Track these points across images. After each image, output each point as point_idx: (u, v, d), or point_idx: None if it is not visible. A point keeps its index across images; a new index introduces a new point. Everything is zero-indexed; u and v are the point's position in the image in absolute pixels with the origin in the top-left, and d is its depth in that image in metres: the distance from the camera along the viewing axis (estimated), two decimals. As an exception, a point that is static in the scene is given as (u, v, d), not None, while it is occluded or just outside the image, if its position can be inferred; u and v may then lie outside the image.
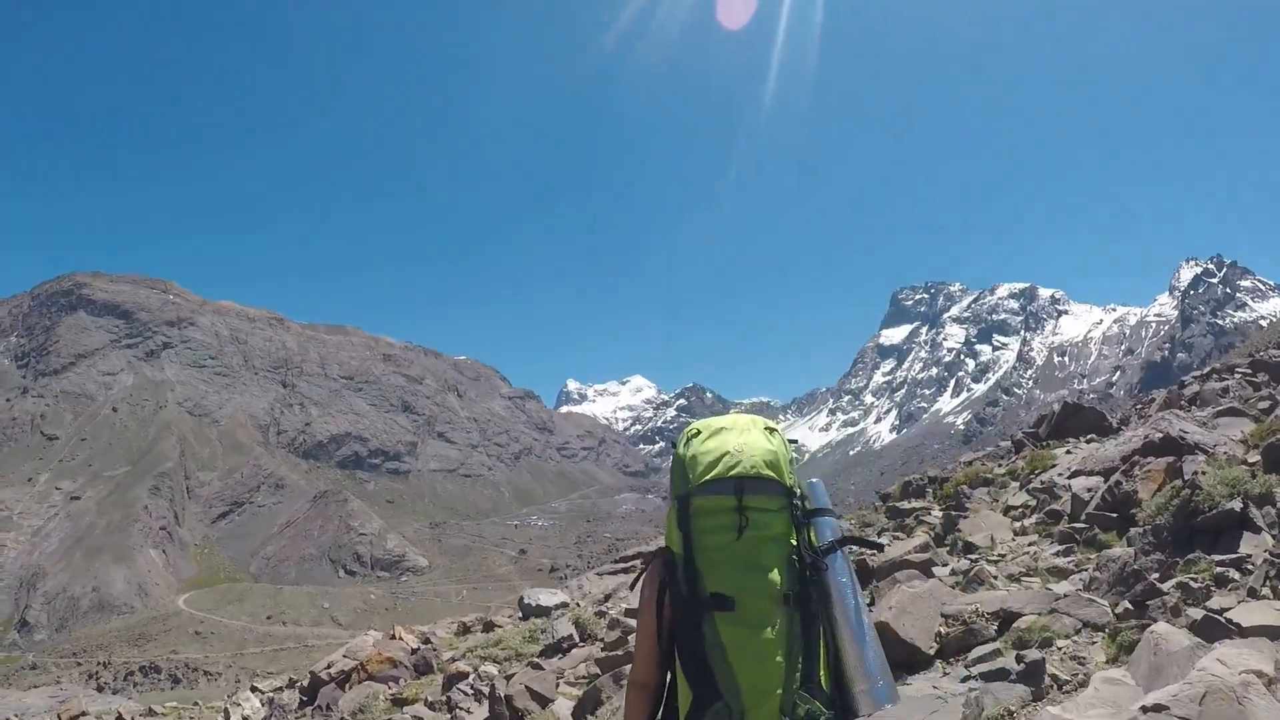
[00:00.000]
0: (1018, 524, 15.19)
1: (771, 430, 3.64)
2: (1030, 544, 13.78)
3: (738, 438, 3.53)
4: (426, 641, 16.37)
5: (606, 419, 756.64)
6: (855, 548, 3.74)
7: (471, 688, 11.94)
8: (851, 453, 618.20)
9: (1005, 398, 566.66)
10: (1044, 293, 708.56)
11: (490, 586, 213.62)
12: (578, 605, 16.52)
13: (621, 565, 20.86)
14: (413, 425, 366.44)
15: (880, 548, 3.81)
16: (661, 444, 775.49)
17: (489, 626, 16.80)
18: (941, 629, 10.15)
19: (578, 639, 12.82)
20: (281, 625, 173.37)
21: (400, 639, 16.49)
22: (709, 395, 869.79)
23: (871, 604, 10.90)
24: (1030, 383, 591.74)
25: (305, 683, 16.77)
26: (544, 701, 10.57)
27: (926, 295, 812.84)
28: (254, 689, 21.32)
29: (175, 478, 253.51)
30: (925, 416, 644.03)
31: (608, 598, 16.82)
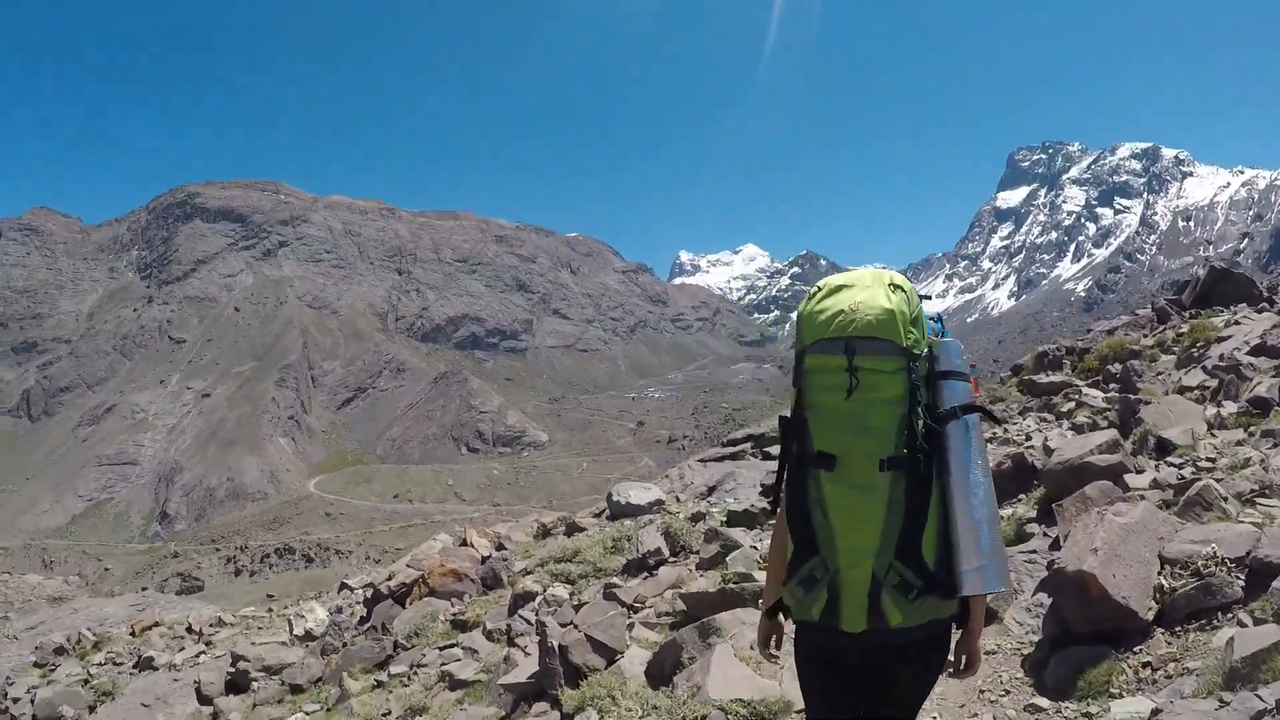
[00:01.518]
0: (1210, 413, 11.73)
1: (896, 286, 3.41)
2: (1238, 443, 10.37)
3: (855, 295, 3.38)
4: (500, 548, 15.01)
5: (720, 289, 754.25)
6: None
7: (535, 615, 10.49)
8: (969, 320, 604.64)
9: (1127, 264, 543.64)
10: (1168, 153, 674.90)
11: (609, 459, 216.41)
12: (676, 501, 14.87)
13: (729, 450, 18.94)
14: (528, 303, 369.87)
15: (997, 420, 3.64)
16: (776, 313, 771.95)
17: (571, 529, 14.89)
18: (1163, 581, 7.05)
19: (667, 553, 11.32)
20: (408, 503, 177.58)
21: (470, 545, 15.16)
22: (823, 262, 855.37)
23: (1055, 536, 8.74)
24: (1154, 248, 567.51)
25: (369, 594, 15.21)
26: (610, 655, 8.63)
27: (1044, 156, 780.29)
28: (344, 586, 20.80)
29: (300, 369, 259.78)
30: (1044, 283, 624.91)
31: (711, 491, 15.08)
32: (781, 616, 3.74)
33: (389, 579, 14.74)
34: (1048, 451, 10.78)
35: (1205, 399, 12.76)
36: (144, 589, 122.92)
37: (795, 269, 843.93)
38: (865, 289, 3.39)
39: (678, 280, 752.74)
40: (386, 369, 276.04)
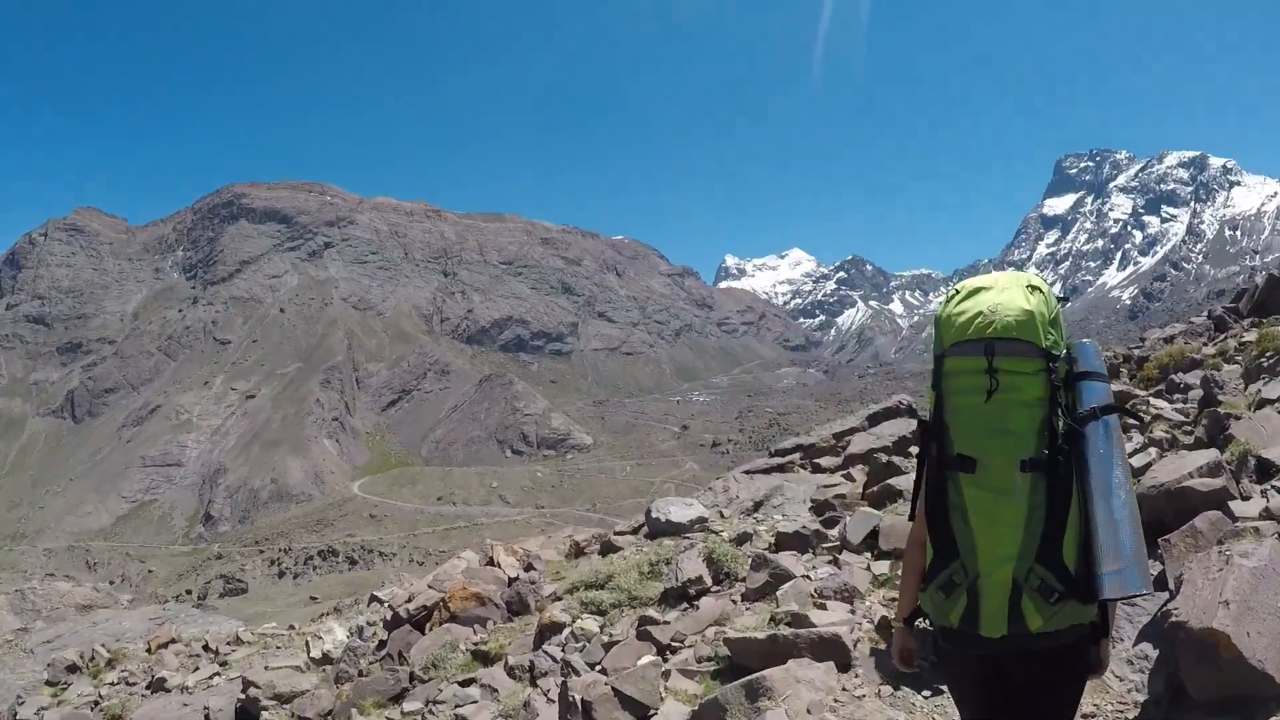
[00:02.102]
0: None
1: (1034, 288, 3.44)
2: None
3: (994, 297, 3.40)
4: (529, 568, 13.79)
5: (766, 293, 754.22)
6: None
7: (561, 652, 9.62)
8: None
9: (1174, 272, 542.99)
10: (1215, 162, 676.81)
11: (654, 462, 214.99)
12: (720, 517, 13.94)
13: (776, 461, 18.04)
14: (573, 306, 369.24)
15: (1140, 419, 3.83)
16: (822, 317, 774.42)
17: (606, 548, 13.73)
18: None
19: (709, 582, 10.13)
20: (452, 505, 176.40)
21: (497, 565, 14.03)
22: (869, 267, 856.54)
23: (1156, 574, 7.37)
24: (1200, 257, 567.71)
25: (389, 617, 13.88)
26: (642, 713, 7.47)
27: (1091, 163, 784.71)
28: (374, 599, 18.79)
29: (344, 370, 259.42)
30: (1090, 290, 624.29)
31: (757, 506, 14.20)
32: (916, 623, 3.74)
33: (409, 600, 13.58)
34: (1132, 472, 8.36)
35: None
36: (174, 598, 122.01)
37: (841, 274, 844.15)
38: (1003, 290, 3.41)
39: (723, 284, 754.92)
40: (431, 371, 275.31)
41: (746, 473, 17.38)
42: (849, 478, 14.39)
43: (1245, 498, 7.98)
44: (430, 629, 12.31)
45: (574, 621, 10.13)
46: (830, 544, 10.31)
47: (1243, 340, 17.20)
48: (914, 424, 16.12)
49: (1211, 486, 7.86)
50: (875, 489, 12.26)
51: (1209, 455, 8.48)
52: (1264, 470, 8.86)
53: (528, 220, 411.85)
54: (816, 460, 17.39)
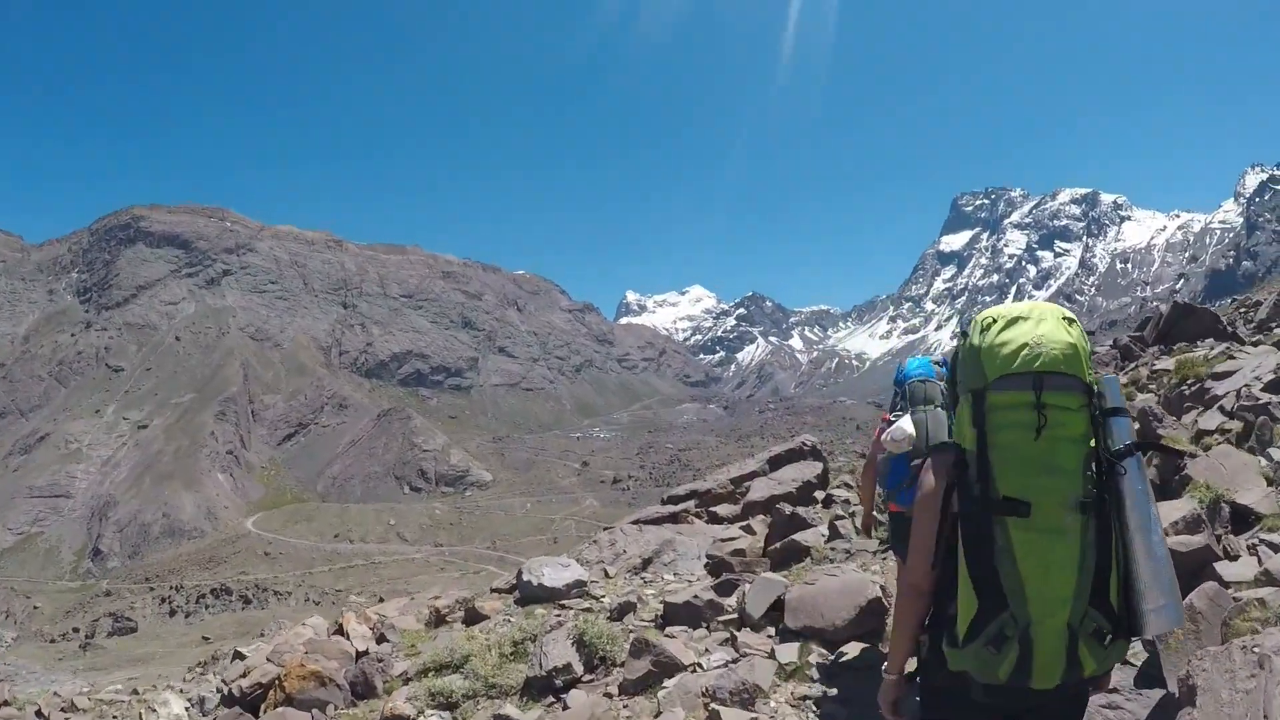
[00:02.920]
0: (1264, 465, 9.23)
1: (1070, 321, 3.33)
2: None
3: (1035, 328, 3.26)
4: (381, 639, 12.14)
5: (666, 329, 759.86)
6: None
7: None
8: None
9: (1067, 304, 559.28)
10: (1106, 198, 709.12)
11: (554, 499, 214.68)
12: (605, 576, 12.74)
13: (669, 510, 17.02)
14: (473, 341, 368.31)
15: (1180, 455, 3.71)
16: (722, 353, 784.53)
17: (471, 616, 11.96)
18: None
19: (581, 670, 9.00)
20: (349, 543, 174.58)
21: (346, 634, 12.33)
22: (769, 304, 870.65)
23: (1138, 667, 6.91)
24: (1093, 289, 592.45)
25: (224, 693, 11.98)
26: None
27: (987, 201, 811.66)
28: (238, 655, 17.11)
29: (240, 402, 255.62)
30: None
31: (647, 564, 13.27)
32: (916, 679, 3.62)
33: (243, 675, 11.93)
34: None
35: (1236, 442, 10.71)
36: (61, 636, 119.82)
37: (741, 310, 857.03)
38: (1041, 321, 3.29)
39: (624, 320, 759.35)
40: (328, 405, 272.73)
41: (636, 523, 16.49)
42: (748, 530, 13.76)
43: (1232, 556, 7.35)
44: (265, 710, 10.87)
45: (419, 717, 9.00)
46: (727, 616, 9.39)
47: (1155, 368, 17.72)
48: (818, 467, 16.63)
49: (1193, 545, 7.20)
50: (778, 545, 11.70)
51: (1184, 506, 7.69)
52: (1240, 519, 8.18)
53: (429, 253, 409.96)
54: (713, 509, 16.76)
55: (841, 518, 12.85)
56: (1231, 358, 15.34)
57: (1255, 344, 17.63)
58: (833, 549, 11.49)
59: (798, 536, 11.66)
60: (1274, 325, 21.18)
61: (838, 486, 17.08)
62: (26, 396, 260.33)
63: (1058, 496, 3.10)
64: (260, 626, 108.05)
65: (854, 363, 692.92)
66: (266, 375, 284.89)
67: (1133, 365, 20.32)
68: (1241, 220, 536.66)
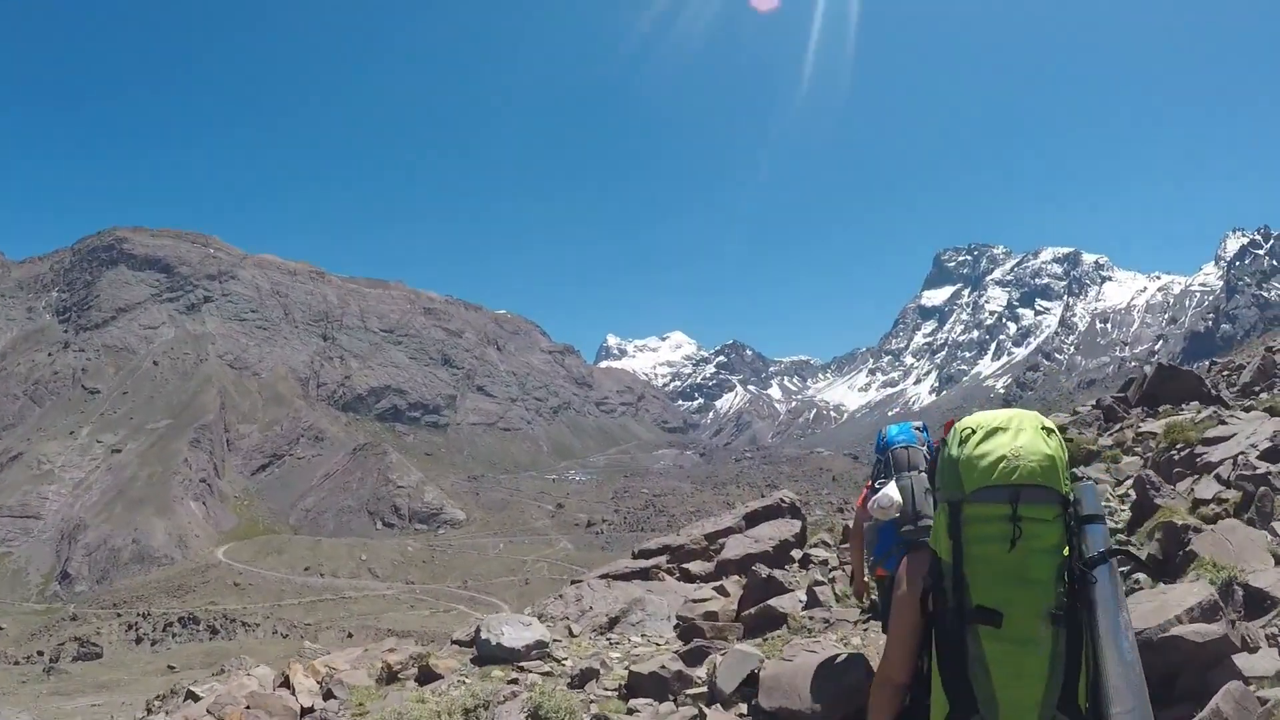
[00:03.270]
0: (1271, 542, 9.01)
1: (1050, 431, 3.37)
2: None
3: (1014, 439, 3.31)
4: (329, 695, 11.06)
5: (646, 375, 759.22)
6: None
7: None
8: (890, 414, 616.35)
9: (1046, 363, 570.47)
10: (1088, 258, 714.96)
11: (528, 540, 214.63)
12: (568, 635, 11.97)
13: (640, 565, 16.45)
14: (452, 379, 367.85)
15: (1145, 563, 3.68)
16: (700, 400, 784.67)
17: (425, 675, 10.81)
18: None
19: None
20: (319, 577, 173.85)
21: (291, 687, 11.37)
22: (749, 352, 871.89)
23: None
24: (1072, 348, 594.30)
25: None
26: None
27: (969, 257, 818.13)
28: (190, 695, 15.55)
29: (215, 430, 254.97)
30: (965, 379, 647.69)
31: (614, 623, 12.60)
32: None
33: None
34: None
35: (1227, 516, 10.31)
36: (25, 659, 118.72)
37: (721, 358, 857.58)
38: (1020, 432, 3.33)
39: (604, 363, 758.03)
40: (304, 436, 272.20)
41: (605, 577, 15.87)
42: (722, 591, 13.21)
43: (1251, 647, 6.72)
44: (202, 773, 9.83)
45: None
46: (696, 690, 8.75)
47: (1140, 430, 17.54)
48: (797, 525, 16.42)
49: (1210, 635, 6.55)
50: (752, 611, 11.22)
51: (1199, 592, 7.04)
52: (1254, 603, 7.53)
53: (411, 289, 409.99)
54: (686, 565, 16.12)
55: (821, 583, 12.24)
56: (1223, 422, 15.04)
57: (1246, 409, 17.13)
58: (810, 618, 10.82)
59: (774, 602, 11.17)
60: (1258, 389, 21.01)
61: (815, 545, 16.69)
62: (0, 414, 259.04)
63: (1031, 607, 3.15)
64: (226, 659, 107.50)
65: (832, 414, 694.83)
66: (243, 404, 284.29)
67: (1117, 427, 20.04)
68: (1221, 283, 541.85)
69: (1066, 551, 3.27)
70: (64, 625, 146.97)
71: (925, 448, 6.52)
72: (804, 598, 11.58)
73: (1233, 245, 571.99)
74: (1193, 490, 11.68)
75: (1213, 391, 20.63)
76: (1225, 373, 27.15)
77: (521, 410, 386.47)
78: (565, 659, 10.51)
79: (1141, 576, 8.82)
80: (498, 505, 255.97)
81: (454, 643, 12.39)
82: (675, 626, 11.78)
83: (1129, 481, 14.27)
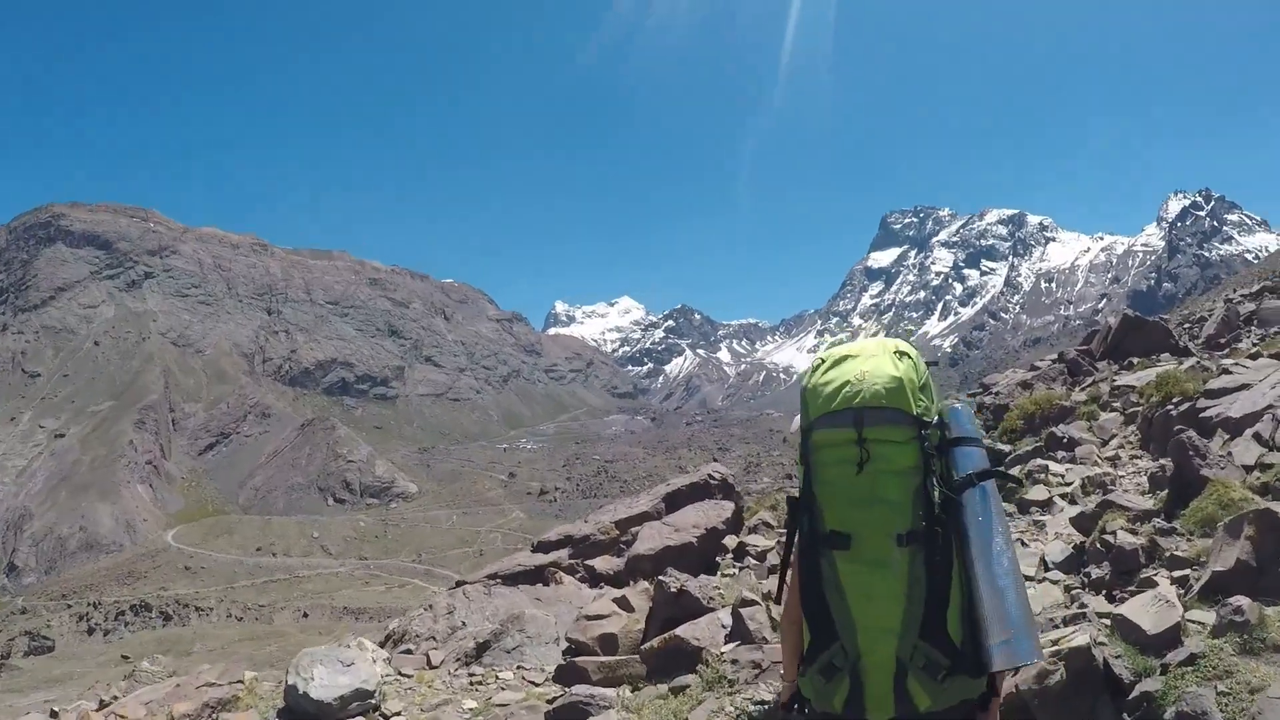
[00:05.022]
0: None
1: (902, 354, 3.28)
2: None
3: (860, 365, 3.24)
4: None
5: (595, 341, 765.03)
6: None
7: None
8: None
9: (992, 322, 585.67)
10: (1032, 219, 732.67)
11: (480, 511, 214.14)
12: (427, 666, 9.85)
13: (536, 562, 14.05)
14: (399, 350, 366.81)
15: (1019, 483, 3.36)
16: (650, 365, 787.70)
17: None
18: None
19: None
20: (272, 557, 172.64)
21: None
22: (698, 317, 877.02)
23: None
24: (1017, 308, 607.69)
25: None
26: None
27: (915, 219, 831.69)
28: (53, 715, 13.69)
29: (160, 410, 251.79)
30: (912, 339, 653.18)
31: (483, 649, 10.14)
32: (797, 709, 3.42)
33: None
34: (1123, 631, 6.06)
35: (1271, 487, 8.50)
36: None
37: (670, 322, 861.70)
38: (870, 358, 3.27)
39: (552, 330, 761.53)
40: (251, 414, 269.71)
41: (492, 579, 13.69)
42: (625, 605, 10.16)
43: None
44: None
45: None
46: None
47: (1116, 384, 16.40)
48: (729, 509, 14.10)
49: None
50: (655, 643, 8.58)
51: None
52: None
53: (356, 259, 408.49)
54: (590, 561, 14.02)
55: (751, 602, 8.81)
56: (1226, 372, 13.23)
57: (1253, 356, 14.77)
58: (735, 661, 8.02)
59: (686, 631, 8.52)
60: (1223, 340, 20.22)
61: (755, 529, 14.55)
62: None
63: (881, 529, 3.04)
64: (182, 644, 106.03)
65: (781, 376, 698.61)
66: (188, 383, 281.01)
67: (1089, 381, 19.03)
68: (1164, 244, 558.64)
69: (936, 474, 3.14)
70: (14, 619, 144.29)
71: None
72: (728, 621, 8.63)
73: (1174, 206, 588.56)
74: (1230, 454, 9.61)
75: (1180, 344, 20.22)
76: (1185, 325, 26.67)
77: (470, 380, 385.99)
78: (398, 714, 8.02)
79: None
80: (449, 477, 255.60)
81: (261, 681, 9.78)
82: (565, 650, 9.60)
83: (1115, 441, 13.64)
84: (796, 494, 3.31)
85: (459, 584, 13.86)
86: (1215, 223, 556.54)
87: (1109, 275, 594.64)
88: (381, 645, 11.17)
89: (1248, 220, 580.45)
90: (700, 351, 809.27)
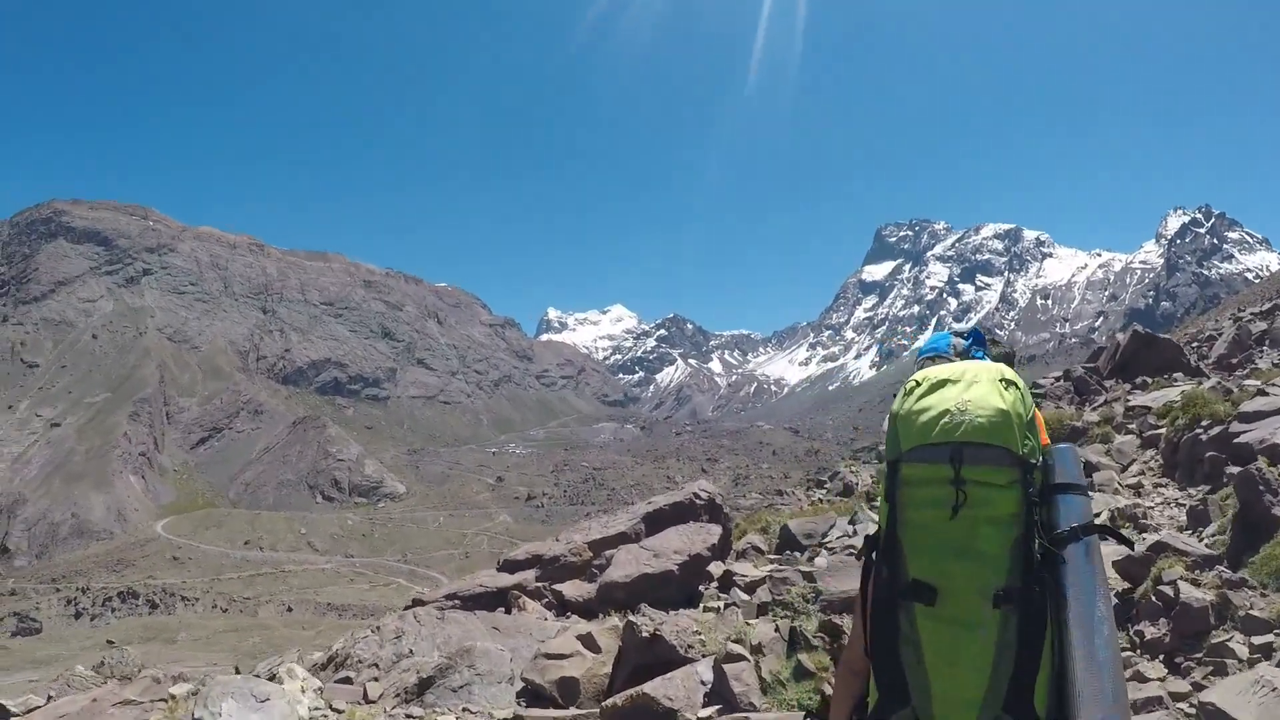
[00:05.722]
0: None
1: (1009, 383, 2.85)
2: None
3: (962, 392, 2.83)
4: None
5: (586, 348, 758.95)
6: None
7: None
8: (830, 388, 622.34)
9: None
10: (1029, 234, 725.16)
11: (468, 514, 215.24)
12: (359, 702, 9.00)
13: (500, 584, 13.30)
14: (392, 352, 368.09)
15: (1131, 545, 3.02)
16: (641, 374, 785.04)
17: None
18: None
19: None
20: (259, 551, 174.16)
21: None
22: (690, 326, 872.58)
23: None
24: (1012, 324, 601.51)
25: None
26: None
27: (911, 232, 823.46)
28: (5, 713, 11.07)
29: (155, 404, 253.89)
30: (905, 354, 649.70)
31: (427, 686, 9.10)
32: None
33: None
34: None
35: None
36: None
37: (662, 331, 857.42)
38: (972, 384, 2.84)
39: (545, 337, 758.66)
40: (244, 410, 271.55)
41: (451, 599, 12.93)
42: (590, 645, 9.20)
43: None
44: None
45: None
46: None
47: (1131, 405, 15.85)
48: (716, 533, 13.20)
49: None
50: (622, 701, 7.53)
51: None
52: None
53: (351, 261, 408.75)
54: (559, 586, 13.00)
55: (738, 656, 7.81)
56: (1263, 393, 12.38)
57: (1276, 377, 14.55)
58: None
59: (657, 689, 7.48)
60: (1235, 360, 19.94)
61: (743, 554, 13.65)
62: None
63: (973, 585, 2.62)
64: (168, 632, 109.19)
65: (772, 388, 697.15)
66: (182, 378, 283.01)
67: (1101, 400, 18.70)
68: (1162, 261, 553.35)
69: (1028, 524, 2.71)
70: (3, 600, 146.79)
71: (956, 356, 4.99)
72: (708, 677, 7.68)
73: (1174, 224, 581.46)
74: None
75: (1192, 363, 19.82)
76: (1194, 344, 26.30)
77: (461, 383, 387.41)
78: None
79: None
80: (438, 478, 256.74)
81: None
82: (520, 691, 8.87)
83: (1135, 467, 13.15)
84: (873, 532, 2.97)
85: (415, 603, 13.49)
86: (1215, 240, 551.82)
87: (1106, 292, 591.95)
88: (324, 667, 10.82)
89: (1249, 238, 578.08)
90: (692, 361, 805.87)
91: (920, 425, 2.79)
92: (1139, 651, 7.09)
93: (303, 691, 8.25)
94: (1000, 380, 2.84)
